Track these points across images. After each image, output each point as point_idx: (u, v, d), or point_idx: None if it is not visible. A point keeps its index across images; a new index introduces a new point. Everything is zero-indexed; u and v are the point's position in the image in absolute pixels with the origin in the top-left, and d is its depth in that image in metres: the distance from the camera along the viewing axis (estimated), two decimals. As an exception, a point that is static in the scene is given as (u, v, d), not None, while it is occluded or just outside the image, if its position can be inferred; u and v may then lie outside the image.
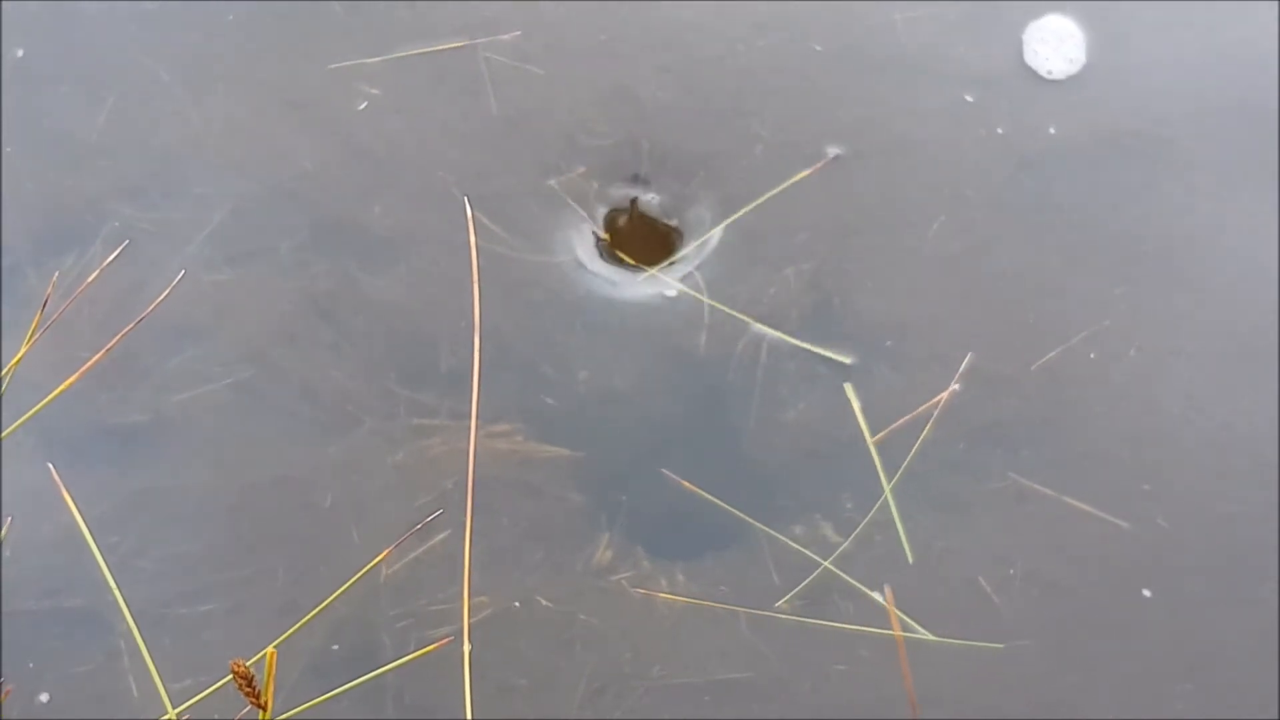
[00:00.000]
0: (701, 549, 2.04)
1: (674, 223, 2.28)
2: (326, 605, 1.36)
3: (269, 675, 0.92)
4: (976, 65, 2.39)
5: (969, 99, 2.36)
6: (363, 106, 2.14)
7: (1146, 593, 2.00)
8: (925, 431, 2.07)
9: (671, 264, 2.24)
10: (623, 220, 2.29)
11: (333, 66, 2.34)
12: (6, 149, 2.28)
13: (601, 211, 2.28)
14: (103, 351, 1.13)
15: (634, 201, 2.30)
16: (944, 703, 1.94)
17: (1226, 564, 2.04)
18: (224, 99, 2.34)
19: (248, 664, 0.99)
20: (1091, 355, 2.17)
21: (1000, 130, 2.34)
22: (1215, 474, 2.10)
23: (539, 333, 2.17)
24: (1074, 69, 2.36)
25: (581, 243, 2.25)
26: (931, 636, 1.95)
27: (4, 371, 1.25)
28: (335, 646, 1.95)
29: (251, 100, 2.34)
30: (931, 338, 2.18)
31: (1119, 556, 2.04)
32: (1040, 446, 2.11)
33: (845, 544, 2.02)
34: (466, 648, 1.05)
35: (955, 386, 2.07)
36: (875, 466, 2.08)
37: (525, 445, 2.09)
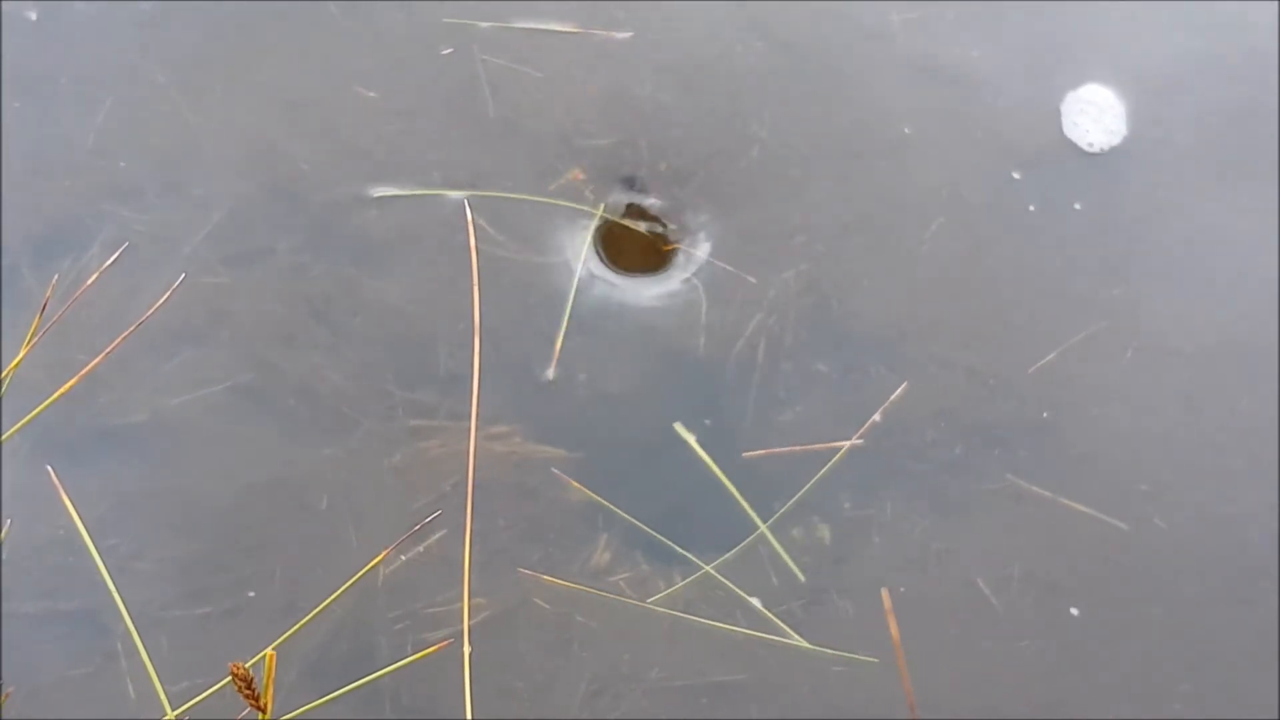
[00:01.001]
0: (700, 551, 2.04)
1: (672, 227, 2.28)
2: (325, 607, 1.36)
3: (268, 677, 0.92)
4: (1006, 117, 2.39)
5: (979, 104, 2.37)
6: (447, 52, 2.11)
7: (1074, 611, 1.99)
8: (831, 463, 2.07)
9: (669, 268, 2.24)
10: (621, 225, 2.29)
11: (447, 20, 2.33)
12: (4, 151, 2.28)
13: (599, 215, 2.28)
14: (101, 355, 1.13)
15: (631, 207, 2.30)
16: (943, 704, 1.94)
17: (1225, 564, 2.04)
18: (221, 101, 2.34)
19: (246, 666, 0.99)
20: (1089, 356, 2.18)
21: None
22: (1213, 475, 2.10)
23: (537, 334, 2.17)
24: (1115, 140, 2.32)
25: (579, 245, 2.25)
26: (805, 644, 1.96)
27: (3, 374, 1.24)
28: (333, 649, 1.95)
29: (248, 102, 2.34)
30: (929, 339, 2.18)
31: (1117, 557, 2.04)
32: (1038, 448, 2.11)
33: (729, 555, 2.02)
34: (466, 649, 1.05)
35: (904, 385, 2.07)
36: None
37: (523, 447, 2.09)
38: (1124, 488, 2.08)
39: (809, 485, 2.05)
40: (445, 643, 1.24)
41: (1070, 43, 2.42)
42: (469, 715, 1.19)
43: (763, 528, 2.00)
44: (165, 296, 1.60)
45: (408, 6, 2.42)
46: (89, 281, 1.43)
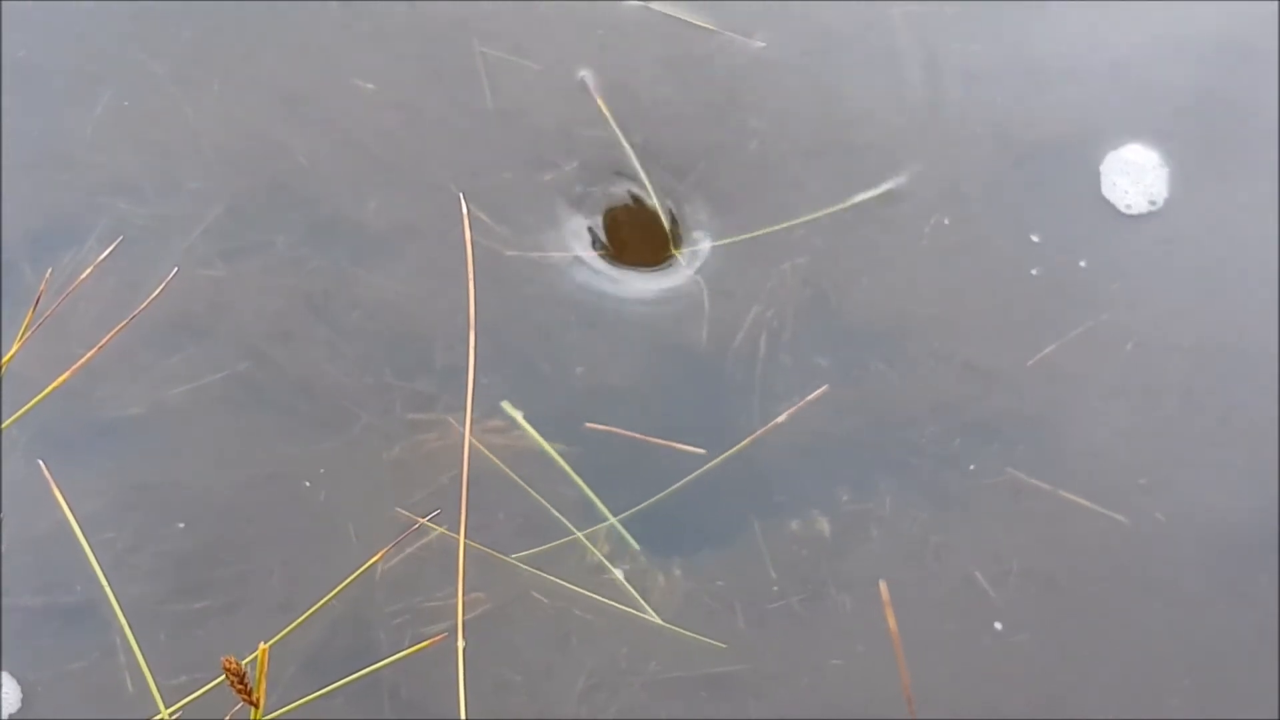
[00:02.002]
0: (698, 544, 2.04)
1: (671, 220, 2.28)
2: (325, 603, 1.36)
3: (261, 672, 0.92)
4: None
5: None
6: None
7: (998, 625, 1.98)
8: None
9: (669, 262, 2.24)
10: (620, 218, 2.28)
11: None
12: (2, 145, 2.28)
13: (597, 209, 2.28)
14: (96, 348, 1.13)
15: (632, 200, 2.29)
16: (941, 698, 1.94)
17: (1224, 560, 2.03)
18: (219, 94, 2.33)
19: (242, 661, 0.99)
20: (1088, 350, 2.17)
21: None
22: (1213, 469, 2.09)
23: (535, 328, 2.17)
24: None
25: (578, 239, 2.24)
26: (658, 619, 1.95)
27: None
28: (332, 644, 1.95)
29: (246, 95, 2.33)
30: (928, 333, 2.18)
31: (1116, 552, 2.03)
32: (1037, 442, 2.10)
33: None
34: (460, 644, 1.04)
35: (825, 387, 2.07)
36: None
37: (521, 440, 2.09)
38: (1123, 482, 2.08)
39: (663, 494, 2.05)
40: (440, 636, 1.23)
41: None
42: (463, 708, 1.19)
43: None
44: (157, 291, 1.59)
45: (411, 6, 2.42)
46: (83, 275, 1.42)
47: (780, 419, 2.05)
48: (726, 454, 2.08)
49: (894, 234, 2.25)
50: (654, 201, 2.29)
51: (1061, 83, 2.35)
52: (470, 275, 2.00)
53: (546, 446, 2.07)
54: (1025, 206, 2.26)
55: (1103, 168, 2.29)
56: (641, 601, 1.97)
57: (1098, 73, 2.36)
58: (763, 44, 2.33)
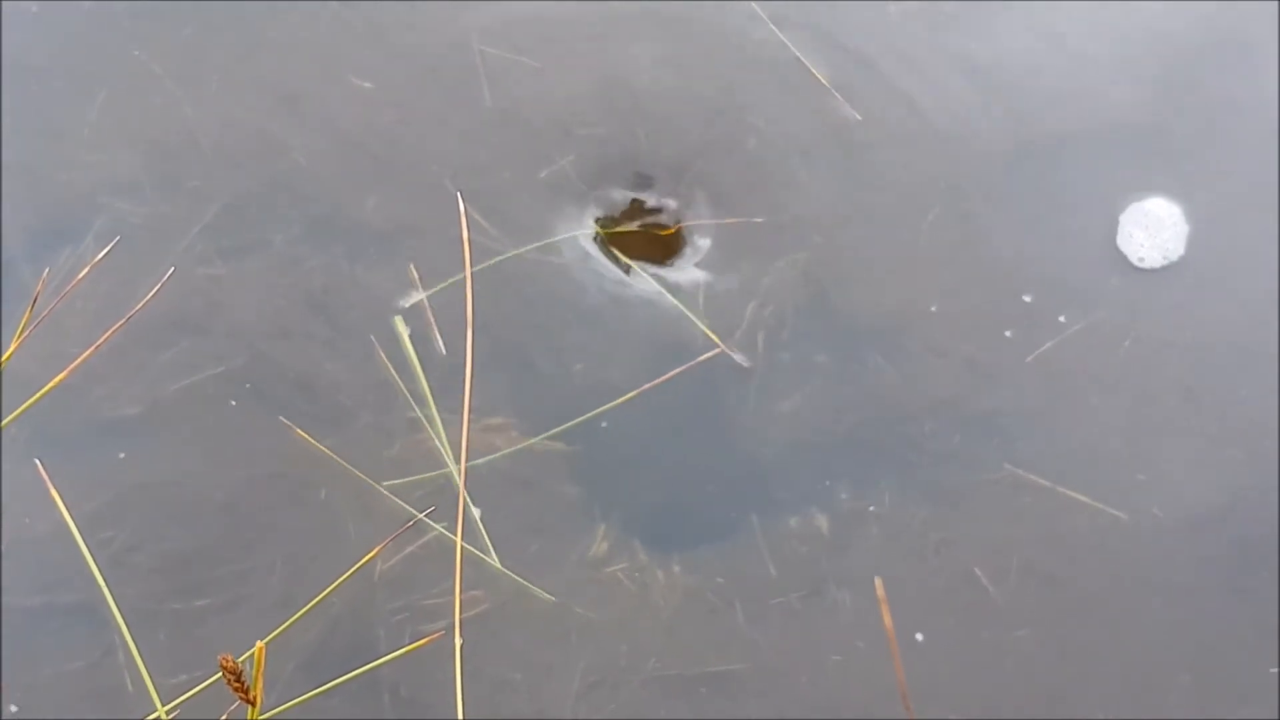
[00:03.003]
0: (698, 541, 2.04)
1: (671, 219, 2.28)
2: (322, 599, 1.35)
3: (258, 670, 0.92)
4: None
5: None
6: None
7: (919, 636, 1.98)
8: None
9: (668, 260, 2.24)
10: (619, 217, 2.28)
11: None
12: (1, 144, 2.28)
13: (596, 207, 2.28)
14: (93, 348, 1.13)
15: (633, 202, 2.29)
16: (940, 695, 1.93)
17: (1223, 555, 2.03)
18: (217, 93, 2.33)
19: (240, 660, 0.99)
20: (1087, 346, 2.17)
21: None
22: (1211, 465, 2.09)
23: (533, 326, 2.17)
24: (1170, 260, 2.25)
25: (577, 236, 2.24)
26: (498, 565, 1.95)
27: (-3, 366, 1.24)
28: (331, 641, 1.95)
29: (245, 94, 2.33)
30: (927, 329, 2.18)
31: (1115, 548, 2.03)
32: (1036, 438, 2.10)
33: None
34: (458, 641, 1.04)
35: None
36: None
37: (520, 438, 2.09)
38: (1122, 478, 2.08)
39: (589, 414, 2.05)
40: (439, 634, 1.23)
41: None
42: (459, 707, 1.19)
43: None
44: (155, 289, 1.59)
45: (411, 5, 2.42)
46: (81, 275, 1.42)
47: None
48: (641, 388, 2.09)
49: (891, 227, 2.25)
50: (653, 199, 2.29)
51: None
52: (467, 273, 2.00)
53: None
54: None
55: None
56: (491, 547, 1.97)
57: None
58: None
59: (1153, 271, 2.23)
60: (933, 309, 2.19)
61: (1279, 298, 2.20)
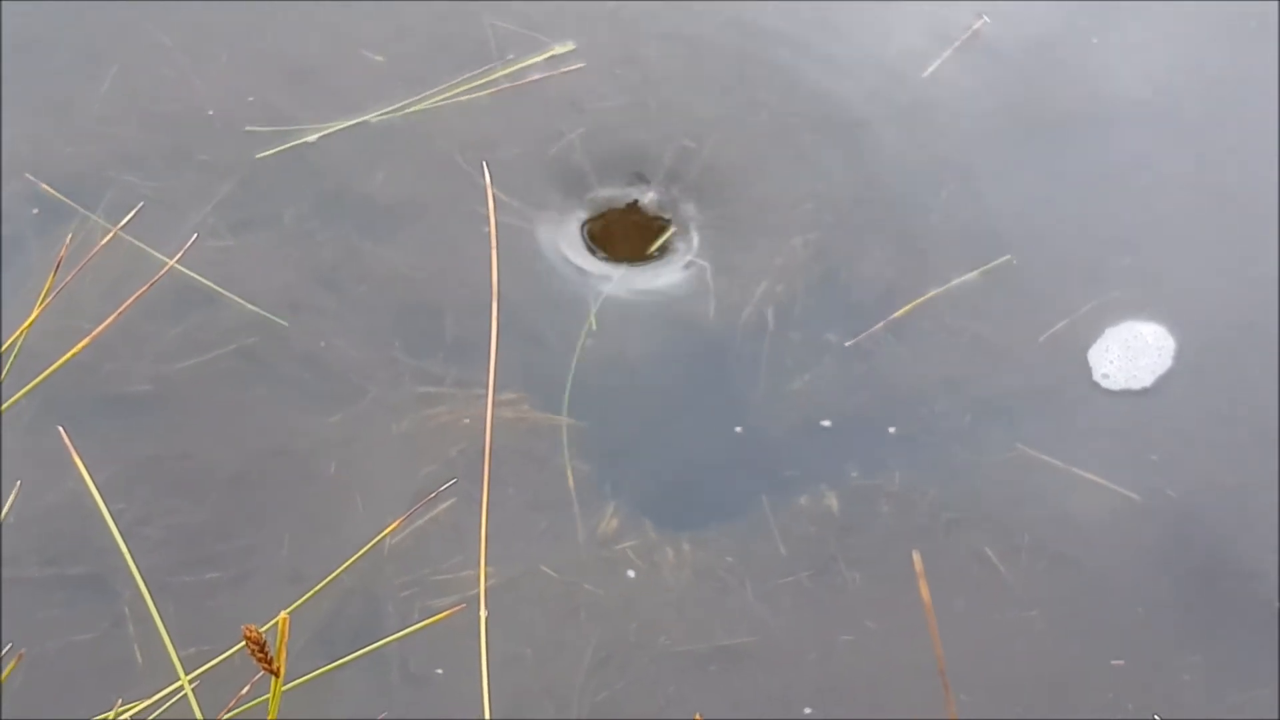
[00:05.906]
0: (708, 519, 2.04)
1: (669, 218, 2.27)
2: (336, 576, 1.35)
3: (281, 641, 0.92)
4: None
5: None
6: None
7: (808, 710, 1.96)
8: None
9: (666, 249, 2.23)
10: (629, 193, 2.28)
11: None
12: (10, 119, 2.27)
13: (607, 182, 2.28)
14: (104, 324, 1.12)
15: (633, 204, 2.28)
16: (951, 674, 1.93)
17: (1234, 536, 2.03)
18: (227, 67, 2.33)
19: (260, 629, 0.99)
20: (1098, 326, 2.17)
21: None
22: (1223, 446, 2.09)
23: (545, 301, 2.16)
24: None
25: (588, 212, 2.24)
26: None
27: (11, 340, 1.23)
28: (340, 615, 1.95)
29: (255, 68, 2.33)
30: (939, 308, 2.17)
31: (1127, 528, 2.03)
32: (1047, 418, 2.10)
33: None
34: (483, 613, 1.04)
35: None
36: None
37: (531, 414, 2.08)
38: (1134, 458, 2.07)
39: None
40: (459, 607, 1.23)
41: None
42: (485, 682, 1.19)
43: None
44: (169, 265, 1.59)
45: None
46: (96, 248, 1.42)
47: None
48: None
49: (903, 207, 2.25)
50: (655, 203, 2.28)
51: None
52: (494, 246, 1.99)
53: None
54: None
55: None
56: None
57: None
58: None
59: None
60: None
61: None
